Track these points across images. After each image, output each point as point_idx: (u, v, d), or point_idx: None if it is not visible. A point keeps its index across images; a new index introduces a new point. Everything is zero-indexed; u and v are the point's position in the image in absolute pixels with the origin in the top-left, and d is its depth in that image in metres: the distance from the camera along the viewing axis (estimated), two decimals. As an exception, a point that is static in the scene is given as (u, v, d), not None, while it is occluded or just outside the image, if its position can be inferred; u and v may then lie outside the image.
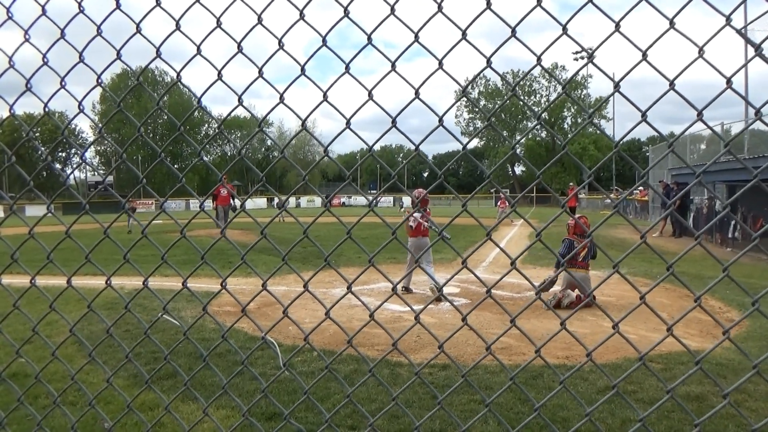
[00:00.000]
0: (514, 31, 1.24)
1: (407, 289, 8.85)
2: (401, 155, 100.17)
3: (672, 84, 1.17)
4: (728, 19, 1.15)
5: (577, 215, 4.67)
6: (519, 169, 76.05)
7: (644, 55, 1.19)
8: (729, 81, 1.14)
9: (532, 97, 65.68)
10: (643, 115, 1.19)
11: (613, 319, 1.16)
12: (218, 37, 1.42)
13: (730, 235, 15.74)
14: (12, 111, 1.52)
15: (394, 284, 1.47)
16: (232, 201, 18.70)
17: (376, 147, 1.37)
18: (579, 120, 67.70)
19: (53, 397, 1.65)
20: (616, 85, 1.22)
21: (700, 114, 1.15)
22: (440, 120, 1.29)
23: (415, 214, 8.32)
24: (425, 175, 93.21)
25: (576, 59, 56.40)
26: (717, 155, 1.20)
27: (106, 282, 1.45)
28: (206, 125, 76.68)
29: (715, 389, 4.44)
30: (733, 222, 14.96)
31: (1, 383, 1.76)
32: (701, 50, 1.16)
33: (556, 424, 3.73)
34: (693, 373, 1.14)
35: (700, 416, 1.14)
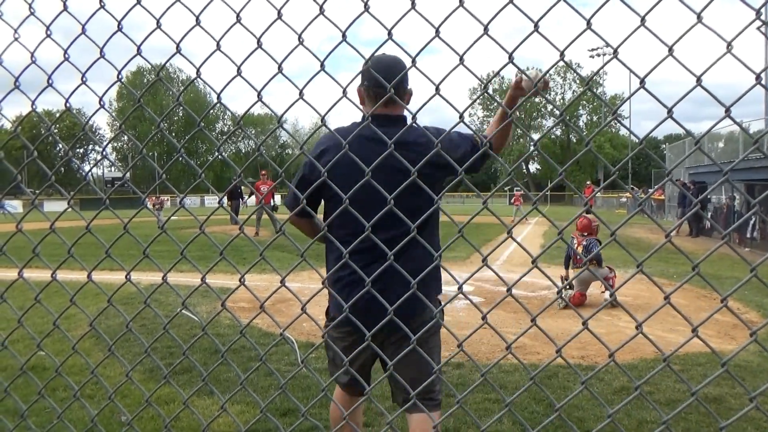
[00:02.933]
0: (536, 25, 1.22)
1: None
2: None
3: (699, 80, 1.14)
4: (758, 12, 1.12)
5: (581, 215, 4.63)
6: (533, 167, 75.61)
7: (670, 50, 1.16)
8: (759, 77, 1.11)
9: (546, 95, 65.21)
10: (669, 111, 1.17)
11: (637, 320, 1.14)
12: (231, 34, 1.42)
13: (748, 235, 15.50)
14: (34, 107, 1.54)
15: (413, 282, 1.46)
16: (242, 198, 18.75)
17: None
18: (595, 118, 67.10)
19: (72, 390, 1.67)
20: (642, 81, 1.20)
21: (728, 111, 1.12)
22: (461, 116, 1.28)
23: None
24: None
25: (592, 56, 55.90)
26: (745, 153, 1.18)
27: (126, 277, 1.46)
28: (221, 122, 77.20)
29: (732, 391, 4.38)
30: (751, 222, 14.73)
31: (22, 376, 1.78)
32: (729, 45, 1.14)
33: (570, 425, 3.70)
34: (719, 375, 1.12)
35: (717, 419, 1.12)
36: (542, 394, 4.23)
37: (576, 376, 4.68)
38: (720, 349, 5.30)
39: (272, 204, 17.26)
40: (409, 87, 2.30)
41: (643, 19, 1.16)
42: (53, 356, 1.98)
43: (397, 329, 1.57)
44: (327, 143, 2.20)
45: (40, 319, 6.26)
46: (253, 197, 18.32)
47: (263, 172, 16.64)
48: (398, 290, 1.53)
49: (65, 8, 1.50)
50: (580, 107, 66.75)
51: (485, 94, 2.03)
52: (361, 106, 2.28)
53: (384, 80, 1.47)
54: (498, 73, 1.38)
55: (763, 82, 1.13)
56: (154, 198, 25.14)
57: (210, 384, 1.57)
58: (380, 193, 1.37)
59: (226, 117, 76.34)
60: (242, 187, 18.17)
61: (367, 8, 1.28)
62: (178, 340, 1.68)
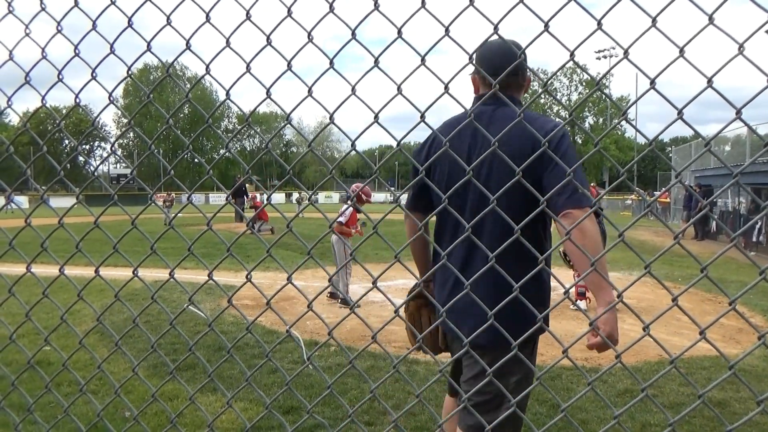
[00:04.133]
0: (547, 25, 1.21)
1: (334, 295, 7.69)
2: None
3: (710, 81, 1.14)
4: (770, 14, 1.11)
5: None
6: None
7: (681, 51, 1.16)
8: (770, 79, 1.10)
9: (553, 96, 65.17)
10: (679, 113, 1.17)
11: (644, 322, 1.14)
12: (238, 31, 1.42)
13: (754, 239, 15.42)
14: (44, 102, 1.54)
15: (419, 281, 1.46)
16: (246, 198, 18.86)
17: (394, 143, 1.35)
18: (600, 120, 66.92)
19: (78, 384, 1.68)
20: (652, 82, 1.19)
21: (739, 112, 1.12)
22: (469, 115, 1.28)
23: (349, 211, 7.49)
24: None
25: (598, 58, 55.66)
26: (754, 156, 1.17)
27: (134, 272, 1.46)
28: (226, 120, 77.43)
29: (737, 395, 4.36)
30: (757, 226, 14.66)
31: (28, 370, 1.79)
32: (741, 47, 1.13)
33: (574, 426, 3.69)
34: (726, 378, 1.11)
35: (723, 422, 1.12)
36: (545, 395, 4.22)
37: (579, 378, 4.67)
38: (725, 353, 5.27)
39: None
40: (528, 74, 2.21)
41: (654, 20, 1.16)
42: (59, 351, 1.99)
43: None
44: (436, 134, 2.22)
45: (45, 315, 6.30)
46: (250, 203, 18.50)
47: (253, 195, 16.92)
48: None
49: (76, 4, 1.51)
50: (586, 109, 66.63)
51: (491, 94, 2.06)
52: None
53: (499, 65, 1.49)
54: (507, 72, 1.38)
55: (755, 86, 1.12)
56: (165, 194, 25.39)
57: (215, 380, 1.58)
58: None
59: (231, 115, 76.60)
60: (246, 185, 18.20)
61: (377, 6, 1.28)
62: (185, 336, 1.68)
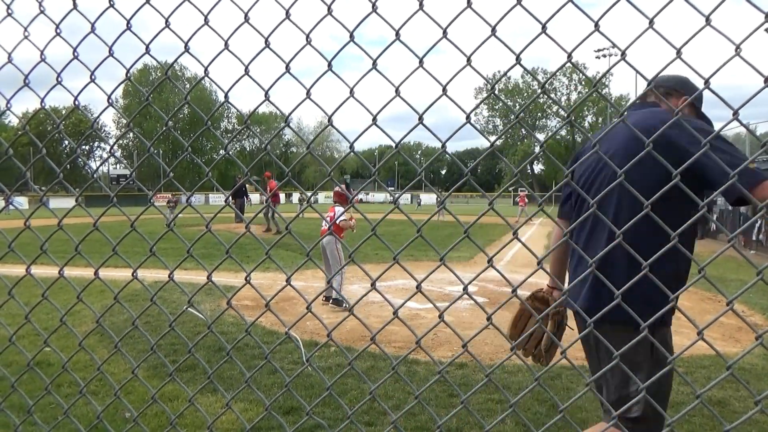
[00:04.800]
0: (544, 27, 1.22)
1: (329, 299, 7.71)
2: (420, 152, 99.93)
3: (707, 82, 1.14)
4: (767, 15, 1.11)
5: None
6: (538, 168, 75.49)
7: (679, 52, 1.16)
8: (767, 80, 1.10)
9: (552, 95, 65.38)
10: (677, 114, 1.17)
11: (642, 322, 1.14)
12: (237, 33, 1.43)
13: (753, 238, 15.44)
14: (43, 104, 1.55)
15: (418, 282, 1.46)
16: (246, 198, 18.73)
17: (393, 144, 1.35)
18: (600, 120, 66.96)
19: (78, 386, 1.68)
20: (649, 84, 1.20)
21: (736, 113, 1.12)
22: (468, 117, 1.28)
23: (340, 210, 7.56)
24: (443, 172, 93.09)
25: (598, 57, 55.66)
26: (753, 156, 1.17)
27: (133, 274, 1.46)
28: (225, 120, 77.53)
29: (737, 394, 4.37)
30: (757, 225, 14.67)
31: (28, 371, 1.80)
32: (738, 48, 1.13)
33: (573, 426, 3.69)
34: (724, 378, 1.12)
35: (721, 422, 1.12)
36: (545, 395, 4.22)
37: (579, 378, 4.67)
38: (725, 352, 5.28)
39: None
40: (685, 96, 2.24)
41: (651, 21, 1.16)
42: (59, 352, 1.99)
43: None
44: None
45: (45, 315, 6.30)
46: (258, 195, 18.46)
47: (267, 174, 16.78)
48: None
49: (75, 6, 1.51)
50: (585, 109, 66.71)
51: (490, 95, 2.08)
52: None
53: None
54: (505, 74, 1.39)
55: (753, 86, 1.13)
56: (170, 195, 25.48)
57: (215, 381, 1.58)
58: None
59: (230, 115, 76.71)
60: (246, 186, 18.19)
61: (375, 8, 1.28)
62: (184, 337, 1.68)
